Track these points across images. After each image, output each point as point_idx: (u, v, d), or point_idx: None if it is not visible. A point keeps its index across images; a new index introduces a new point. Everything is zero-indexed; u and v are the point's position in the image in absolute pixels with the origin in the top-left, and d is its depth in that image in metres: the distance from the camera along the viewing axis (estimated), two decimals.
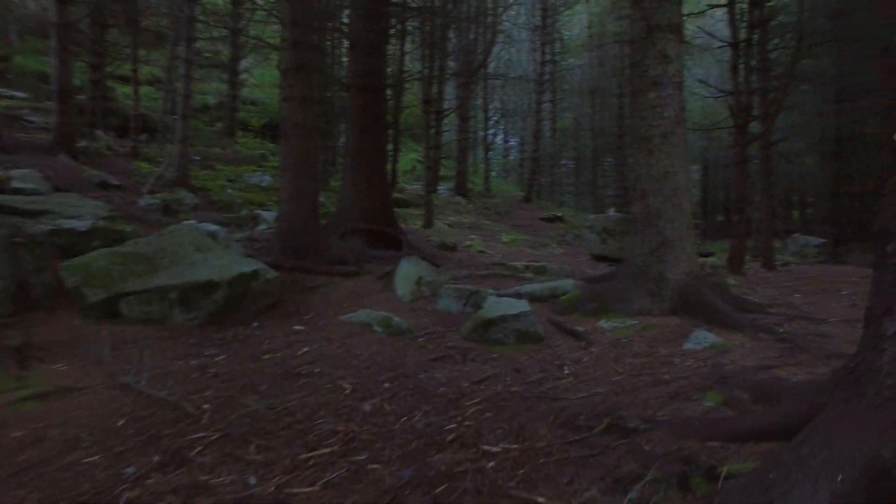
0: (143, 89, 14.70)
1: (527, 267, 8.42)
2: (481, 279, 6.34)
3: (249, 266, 5.19)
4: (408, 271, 6.04)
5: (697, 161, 39.70)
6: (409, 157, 23.74)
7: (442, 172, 22.57)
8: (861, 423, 1.60)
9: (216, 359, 3.97)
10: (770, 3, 11.58)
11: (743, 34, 10.87)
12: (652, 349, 4.19)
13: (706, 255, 13.57)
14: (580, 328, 4.72)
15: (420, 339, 4.58)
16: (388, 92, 13.75)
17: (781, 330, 4.43)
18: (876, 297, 1.85)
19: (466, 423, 2.91)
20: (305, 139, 6.44)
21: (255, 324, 4.96)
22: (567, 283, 5.65)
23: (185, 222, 6.95)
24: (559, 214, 21.05)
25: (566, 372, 3.79)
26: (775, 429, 2.16)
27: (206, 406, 2.98)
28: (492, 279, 6.34)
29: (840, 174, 18.81)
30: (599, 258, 11.50)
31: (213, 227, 6.96)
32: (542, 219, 20.45)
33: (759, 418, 2.32)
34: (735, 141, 10.41)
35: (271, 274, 5.33)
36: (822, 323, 5.02)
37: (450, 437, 2.70)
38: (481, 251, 11.02)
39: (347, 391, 3.43)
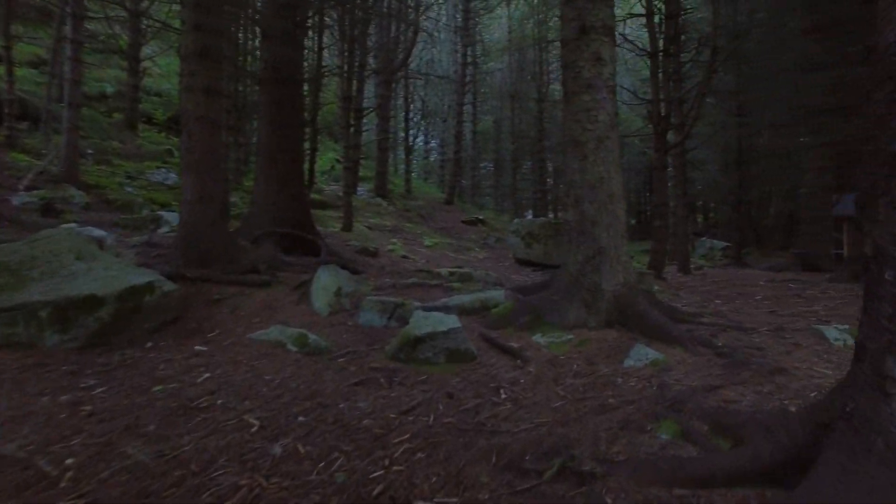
0: (23, 71, 13.16)
1: (452, 273, 8.11)
2: (406, 289, 5.94)
3: (143, 277, 4.53)
4: (326, 281, 5.55)
5: None
6: (328, 157, 22.94)
7: (361, 173, 21.99)
8: (874, 482, 1.36)
9: (94, 391, 3.33)
10: (684, 16, 11.93)
11: (660, 45, 11.12)
12: (592, 367, 3.95)
13: None
14: (514, 344, 4.43)
15: (340, 360, 4.12)
16: (305, 87, 13.06)
17: (719, 343, 4.33)
18: (870, 330, 1.62)
19: (395, 467, 2.51)
20: (210, 134, 5.79)
21: (149, 344, 4.31)
22: (498, 294, 5.36)
23: (65, 226, 6.08)
24: (481, 217, 21.02)
25: (503, 396, 3.47)
26: (750, 472, 1.92)
27: (70, 461, 2.40)
28: (417, 289, 5.96)
29: (742, 183, 19.91)
30: (523, 262, 11.40)
31: (98, 233, 6.14)
32: (463, 221, 20.32)
33: (730, 459, 2.08)
34: (655, 147, 10.59)
35: (170, 286, 4.69)
36: (753, 333, 5.01)
37: (377, 490, 2.29)
38: (404, 256, 10.62)
39: (255, 428, 2.94)
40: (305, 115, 13.54)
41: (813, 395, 3.30)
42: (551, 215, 30.47)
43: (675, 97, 10.81)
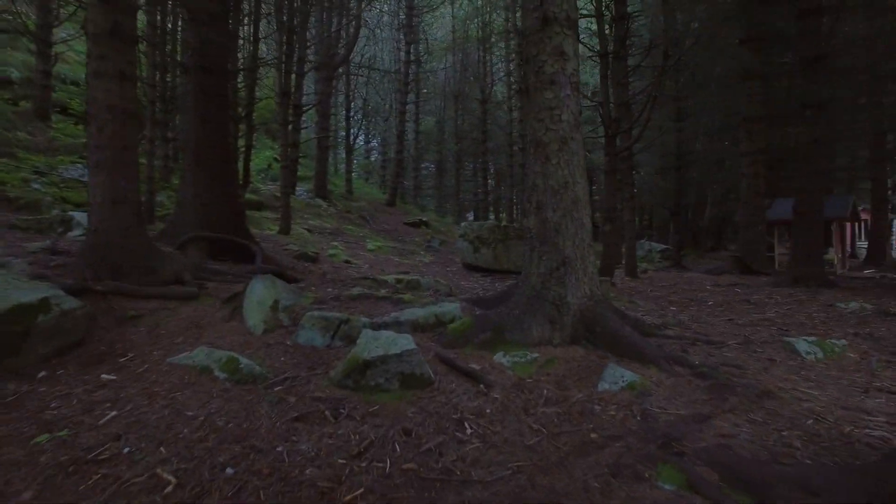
0: None
1: (399, 281, 7.61)
2: (351, 302, 5.39)
3: (35, 293, 3.80)
4: (261, 293, 4.93)
5: None
6: (265, 155, 21.92)
7: (300, 173, 21.14)
8: None
9: None
10: (632, 20, 11.88)
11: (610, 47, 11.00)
12: (564, 392, 3.55)
13: None
14: (475, 365, 3.97)
15: (277, 389, 3.55)
16: (240, 80, 12.22)
17: (696, 362, 4.03)
18: None
19: None
20: (124, 126, 5.04)
21: (42, 374, 3.59)
22: (453, 308, 4.90)
23: None
24: (424, 219, 20.56)
25: (469, 431, 3.01)
26: None
27: None
28: (364, 301, 5.42)
29: (680, 187, 20.30)
30: (472, 268, 11.01)
31: None
32: (406, 223, 19.81)
33: None
34: (605, 151, 10.43)
35: (71, 303, 3.97)
36: (723, 347, 4.76)
37: None
38: (346, 261, 10.02)
39: (170, 487, 2.37)
40: (240, 110, 12.69)
41: (809, 422, 3.01)
42: (492, 217, 30.43)
43: (624, 101, 10.70)
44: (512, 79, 24.08)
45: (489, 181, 31.24)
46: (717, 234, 27.66)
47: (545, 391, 3.60)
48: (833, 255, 17.44)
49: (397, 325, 4.51)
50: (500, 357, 4.15)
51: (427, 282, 7.80)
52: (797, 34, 10.27)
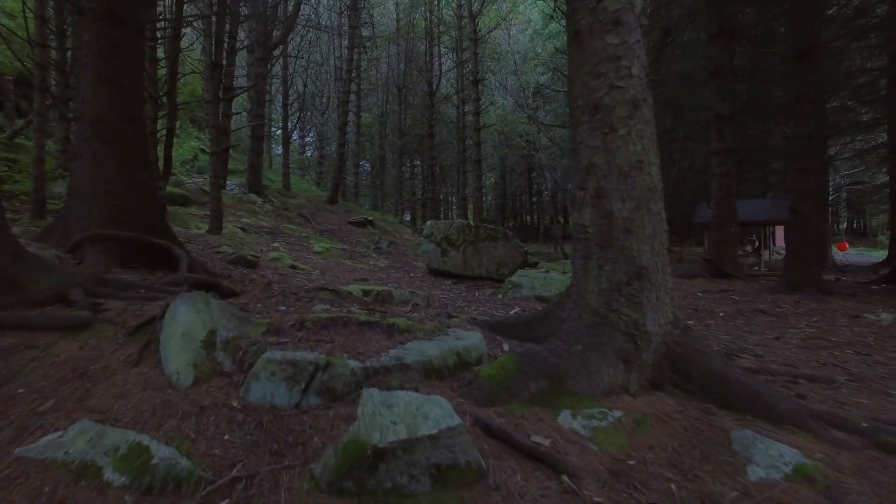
0: None
1: (367, 293, 6.08)
2: (321, 330, 3.83)
3: None
4: (189, 320, 3.32)
5: (496, 168, 40.76)
6: (190, 145, 19.62)
7: (231, 166, 19.04)
8: None
9: None
10: None
11: None
12: (699, 487, 2.19)
13: (533, 265, 12.54)
14: (540, 438, 2.55)
15: None
16: (161, 45, 10.24)
17: (858, 422, 2.76)
18: None
19: None
20: None
21: None
22: (476, 341, 3.44)
23: None
24: (369, 218, 18.92)
25: None
26: None
27: None
28: (340, 329, 3.86)
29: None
30: (438, 273, 9.57)
31: None
32: (351, 223, 18.11)
33: None
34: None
35: None
36: (835, 384, 3.55)
37: None
38: (293, 266, 8.35)
39: None
40: (162, 85, 10.70)
41: None
42: (432, 218, 29.08)
43: None
44: (466, 69, 22.77)
45: (436, 178, 29.85)
46: (679, 234, 27.45)
47: (666, 484, 2.22)
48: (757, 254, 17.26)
49: (402, 371, 3.02)
50: (567, 419, 2.75)
51: (402, 294, 6.31)
52: (789, 23, 9.47)
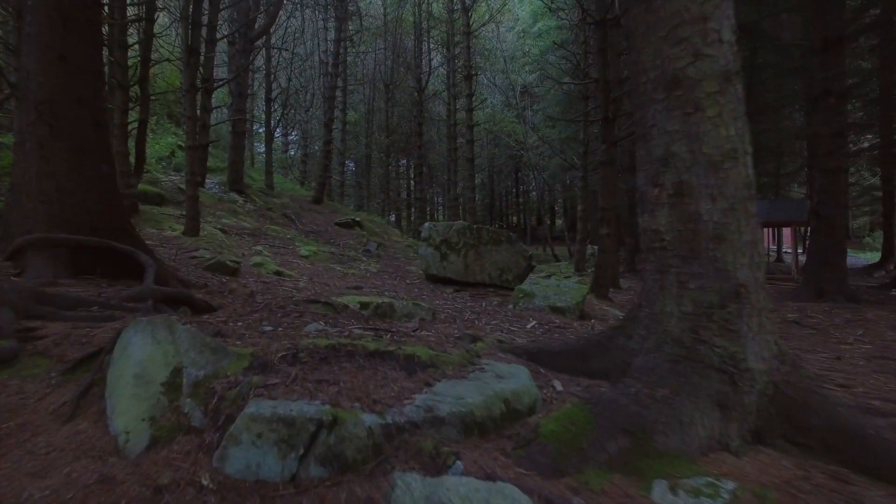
0: None
1: (365, 306, 5.30)
2: (320, 364, 3.02)
3: None
4: (147, 355, 2.52)
5: (484, 168, 40.04)
6: (167, 142, 18.60)
7: (210, 163, 18.07)
8: None
9: None
10: None
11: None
12: None
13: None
14: None
15: None
16: (133, 30, 9.34)
17: None
18: None
19: None
20: None
21: None
22: (522, 379, 2.67)
23: None
24: (357, 219, 18.07)
25: None
26: None
27: None
28: (344, 363, 3.06)
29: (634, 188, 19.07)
30: (437, 280, 8.79)
31: None
32: (337, 224, 17.25)
33: None
34: (602, 138, 8.58)
35: None
36: None
37: None
38: (278, 272, 7.52)
39: None
40: (134, 72, 9.79)
41: None
42: (420, 219, 28.30)
43: (626, 77, 8.88)
44: (459, 63, 21.95)
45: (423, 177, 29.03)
46: None
47: None
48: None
49: (435, 426, 2.24)
50: (664, 495, 1.99)
51: (404, 306, 5.53)
52: (814, 12, 8.87)
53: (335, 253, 11.20)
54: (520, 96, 34.67)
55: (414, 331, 4.71)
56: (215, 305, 4.74)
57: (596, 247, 23.73)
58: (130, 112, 10.18)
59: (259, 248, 9.61)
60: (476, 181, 29.71)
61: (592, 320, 6.78)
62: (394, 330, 4.54)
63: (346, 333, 4.00)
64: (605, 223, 8.68)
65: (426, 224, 9.04)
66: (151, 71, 14.37)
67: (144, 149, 10.23)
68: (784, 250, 28.85)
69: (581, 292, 7.06)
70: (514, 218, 53.89)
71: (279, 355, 2.92)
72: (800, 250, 18.94)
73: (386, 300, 5.46)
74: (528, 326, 5.80)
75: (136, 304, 3.99)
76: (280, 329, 4.02)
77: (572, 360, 3.15)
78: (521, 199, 50.32)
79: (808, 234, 16.64)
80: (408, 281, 8.89)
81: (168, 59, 10.11)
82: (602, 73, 8.60)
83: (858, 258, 30.60)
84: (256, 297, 5.44)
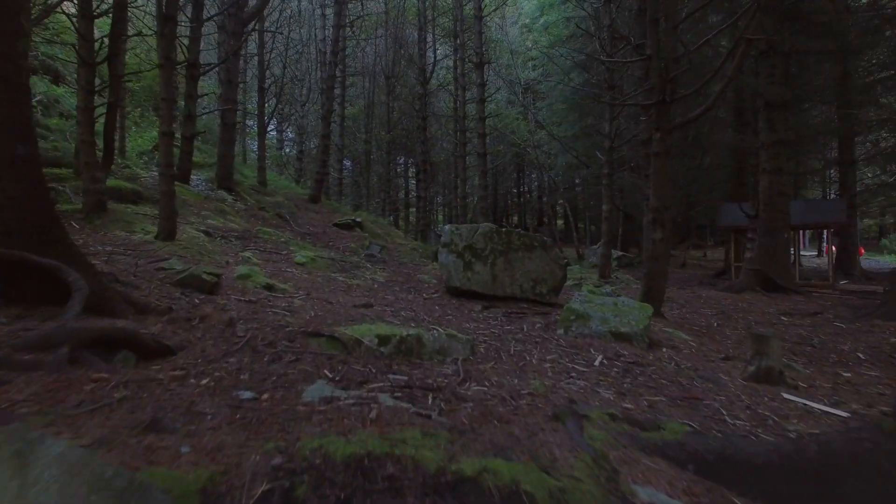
0: None
1: (384, 340, 3.88)
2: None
3: None
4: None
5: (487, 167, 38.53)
6: (151, 136, 17.11)
7: (197, 158, 16.61)
8: None
9: None
10: None
11: None
12: None
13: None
14: None
15: None
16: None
17: None
18: None
19: None
20: None
21: None
22: None
23: None
24: (357, 220, 16.62)
25: None
26: None
27: None
28: (373, 500, 1.70)
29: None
30: (460, 293, 7.37)
31: None
32: (336, 225, 15.81)
33: None
34: (657, 123, 7.20)
35: None
36: None
37: None
38: (268, 286, 6.09)
39: None
40: (100, 48, 8.34)
41: None
42: (422, 221, 26.86)
43: (683, 53, 7.50)
44: (468, 51, 20.45)
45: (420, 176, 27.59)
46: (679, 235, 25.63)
47: None
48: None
49: None
50: None
51: (434, 339, 4.12)
52: None
53: (335, 259, 9.77)
54: (523, 93, 33.30)
55: (460, 383, 3.32)
56: (174, 345, 3.32)
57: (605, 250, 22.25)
58: (99, 93, 8.74)
59: (247, 254, 8.18)
60: (477, 180, 28.29)
61: (663, 349, 5.40)
62: (433, 386, 3.15)
63: (367, 399, 2.60)
64: (657, 225, 7.29)
65: (446, 227, 7.62)
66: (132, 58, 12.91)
67: (113, 137, 8.78)
68: (801, 253, 27.54)
69: (645, 313, 5.67)
70: (515, 218, 52.54)
71: (256, 494, 1.50)
72: (809, 252, 17.65)
73: (411, 332, 4.05)
74: (596, 363, 4.42)
75: (41, 356, 2.58)
76: (265, 396, 2.61)
77: (795, 485, 1.73)
78: (522, 199, 48.95)
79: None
80: (424, 295, 7.47)
81: (140, 34, 8.66)
82: (655, 49, 7.22)
83: (878, 261, 29.23)
84: (237, 327, 4.02)
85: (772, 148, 11.76)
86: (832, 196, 31.72)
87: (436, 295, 7.42)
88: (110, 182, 10.67)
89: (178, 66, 8.86)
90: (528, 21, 38.64)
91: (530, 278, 7.49)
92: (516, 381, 3.50)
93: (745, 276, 12.07)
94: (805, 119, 18.32)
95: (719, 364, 4.97)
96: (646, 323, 5.45)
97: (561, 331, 5.53)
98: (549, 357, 4.47)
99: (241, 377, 2.95)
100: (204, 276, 5.25)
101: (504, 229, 7.53)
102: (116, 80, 8.46)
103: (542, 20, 34.13)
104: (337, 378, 3.12)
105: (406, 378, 3.27)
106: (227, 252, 8.10)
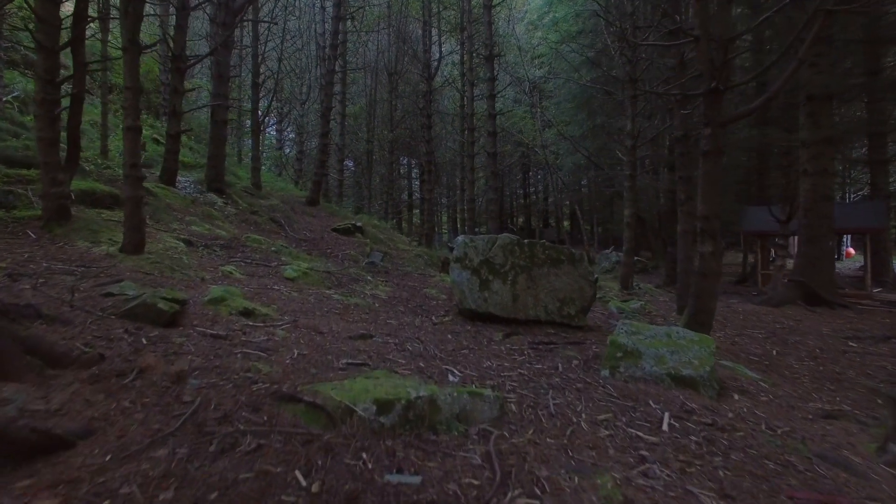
0: None
1: (385, 408, 2.82)
2: None
3: None
4: None
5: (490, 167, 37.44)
6: (144, 135, 16.06)
7: (187, 159, 15.61)
8: None
9: None
10: None
11: None
12: None
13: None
14: None
15: None
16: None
17: None
18: None
19: None
20: None
21: None
22: None
23: None
24: (358, 224, 15.56)
25: None
26: None
27: None
28: None
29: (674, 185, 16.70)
30: (476, 316, 6.30)
31: None
32: (335, 230, 14.76)
33: None
34: (706, 117, 6.13)
35: None
36: None
37: None
38: (246, 312, 5.03)
39: None
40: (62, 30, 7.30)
41: None
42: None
43: (738, 35, 6.41)
44: (476, 44, 19.33)
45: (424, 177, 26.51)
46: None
47: None
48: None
49: None
50: None
51: (451, 401, 3.06)
52: None
53: (331, 273, 8.69)
54: (530, 92, 32.24)
55: (497, 490, 2.26)
56: (78, 429, 2.27)
57: (620, 254, 21.12)
58: (63, 84, 7.71)
59: (229, 268, 7.12)
60: (482, 181, 27.16)
61: (734, 395, 4.33)
62: (458, 498, 2.09)
63: None
64: (707, 236, 6.20)
65: (459, 239, 6.54)
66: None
67: (79, 133, 7.73)
68: None
69: (706, 348, 4.60)
70: (518, 219, 51.42)
71: None
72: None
73: (422, 392, 2.99)
74: (664, 426, 3.36)
75: None
76: None
77: None
78: (527, 200, 47.86)
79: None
80: (433, 318, 6.39)
81: (100, 17, 7.56)
82: (705, 28, 6.14)
83: None
84: (186, 386, 2.97)
85: (815, 147, 10.65)
86: (855, 197, 30.56)
87: (447, 318, 6.34)
88: (84, 184, 9.66)
89: (146, 52, 7.78)
90: (534, 18, 37.58)
91: (556, 298, 6.43)
92: (575, 479, 2.43)
93: (785, 287, 10.96)
94: (849, 113, 17.25)
95: (823, 426, 3.88)
96: (711, 362, 4.38)
97: (606, 372, 4.45)
98: (600, 417, 3.41)
99: (162, 496, 1.89)
100: (160, 304, 4.19)
101: (527, 241, 6.45)
102: (81, 68, 7.42)
103: (549, 16, 33.10)
104: (314, 488, 2.07)
105: (417, 483, 2.21)
106: (206, 266, 7.05)
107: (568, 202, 37.05)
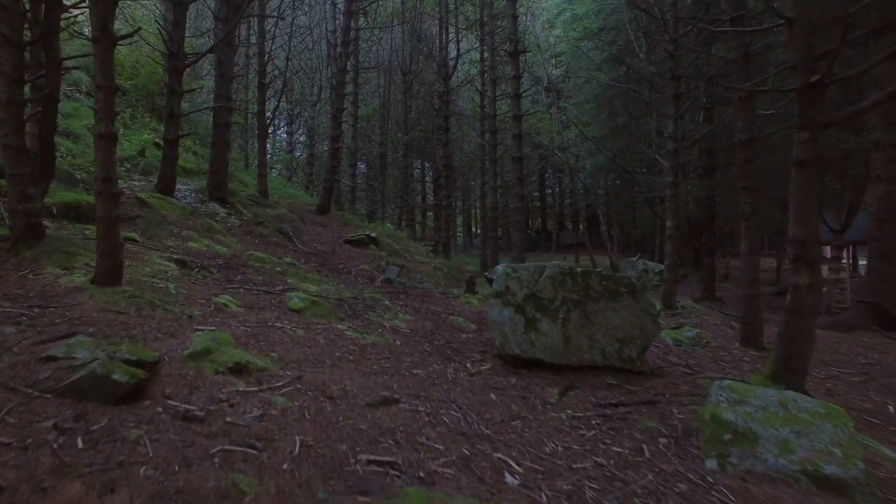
0: None
1: None
2: None
3: None
4: None
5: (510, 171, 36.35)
6: (141, 138, 15.14)
7: (191, 164, 14.66)
8: None
9: None
10: None
11: None
12: None
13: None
14: None
15: None
16: None
17: None
18: None
19: None
20: None
21: None
22: None
23: None
24: (372, 235, 14.50)
25: None
26: None
27: None
28: None
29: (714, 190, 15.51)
30: (520, 362, 5.19)
31: None
32: (347, 241, 13.71)
33: None
34: (801, 116, 4.99)
35: None
36: None
37: None
38: (237, 370, 3.94)
39: None
40: (32, 25, 6.30)
41: None
42: (443, 231, 24.62)
43: (846, 13, 5.30)
44: (497, 40, 18.21)
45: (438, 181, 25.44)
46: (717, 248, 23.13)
47: None
48: None
49: None
50: None
51: None
52: None
53: (345, 296, 7.62)
54: (548, 91, 31.13)
55: None
56: None
57: (648, 262, 19.85)
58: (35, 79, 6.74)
59: (224, 298, 6.06)
60: (499, 183, 26.01)
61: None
62: None
63: None
64: (802, 265, 5.05)
65: (499, 268, 5.40)
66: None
67: (52, 140, 6.73)
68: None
69: (843, 426, 3.45)
70: (534, 222, 50.26)
71: None
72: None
73: None
74: None
75: None
76: None
77: None
78: (543, 203, 46.67)
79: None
80: (469, 366, 5.26)
81: (73, 6, 6.57)
82: (799, 10, 5.00)
83: None
84: None
85: (891, 149, 9.44)
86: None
87: (485, 367, 5.21)
88: (70, 196, 8.71)
89: (121, 43, 6.74)
90: (552, 16, 36.45)
91: (615, 338, 5.30)
92: None
93: (855, 310, 9.75)
94: None
95: None
96: (861, 453, 3.24)
97: (712, 463, 3.32)
98: None
99: None
100: (116, 374, 3.12)
101: (580, 270, 5.33)
102: (54, 65, 6.41)
103: (567, 14, 31.99)
104: None
105: None
106: (197, 296, 5.99)
107: (586, 205, 35.86)
